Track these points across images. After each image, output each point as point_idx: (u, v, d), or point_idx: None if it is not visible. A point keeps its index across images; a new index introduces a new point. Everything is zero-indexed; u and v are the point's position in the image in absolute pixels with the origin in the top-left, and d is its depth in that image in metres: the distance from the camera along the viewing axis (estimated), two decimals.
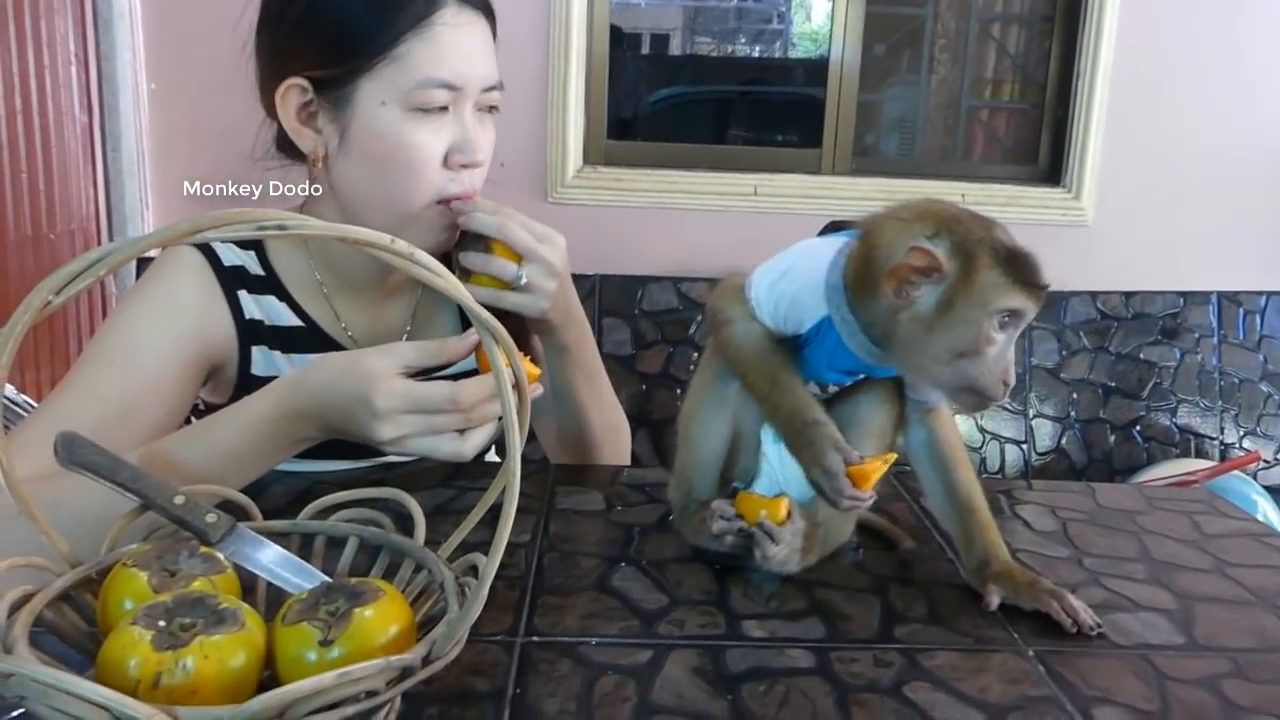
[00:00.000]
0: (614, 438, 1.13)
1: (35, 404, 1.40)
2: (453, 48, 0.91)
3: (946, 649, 0.67)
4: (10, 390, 1.59)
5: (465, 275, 0.93)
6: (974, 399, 0.69)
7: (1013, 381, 0.69)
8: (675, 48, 3.68)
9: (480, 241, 0.93)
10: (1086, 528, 0.89)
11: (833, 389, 0.81)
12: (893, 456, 0.73)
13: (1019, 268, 0.66)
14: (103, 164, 2.33)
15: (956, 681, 0.63)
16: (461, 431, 0.81)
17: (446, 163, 0.93)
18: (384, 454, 0.98)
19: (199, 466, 0.78)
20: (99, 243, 2.32)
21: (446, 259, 0.93)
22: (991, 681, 0.63)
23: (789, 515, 0.74)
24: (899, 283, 0.67)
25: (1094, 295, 2.01)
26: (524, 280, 0.93)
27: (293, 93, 0.93)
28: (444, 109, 0.92)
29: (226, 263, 0.97)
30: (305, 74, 0.92)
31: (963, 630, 0.70)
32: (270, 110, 0.96)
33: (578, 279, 1.84)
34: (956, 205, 0.69)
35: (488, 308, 0.53)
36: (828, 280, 0.72)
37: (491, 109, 0.98)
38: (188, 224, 0.45)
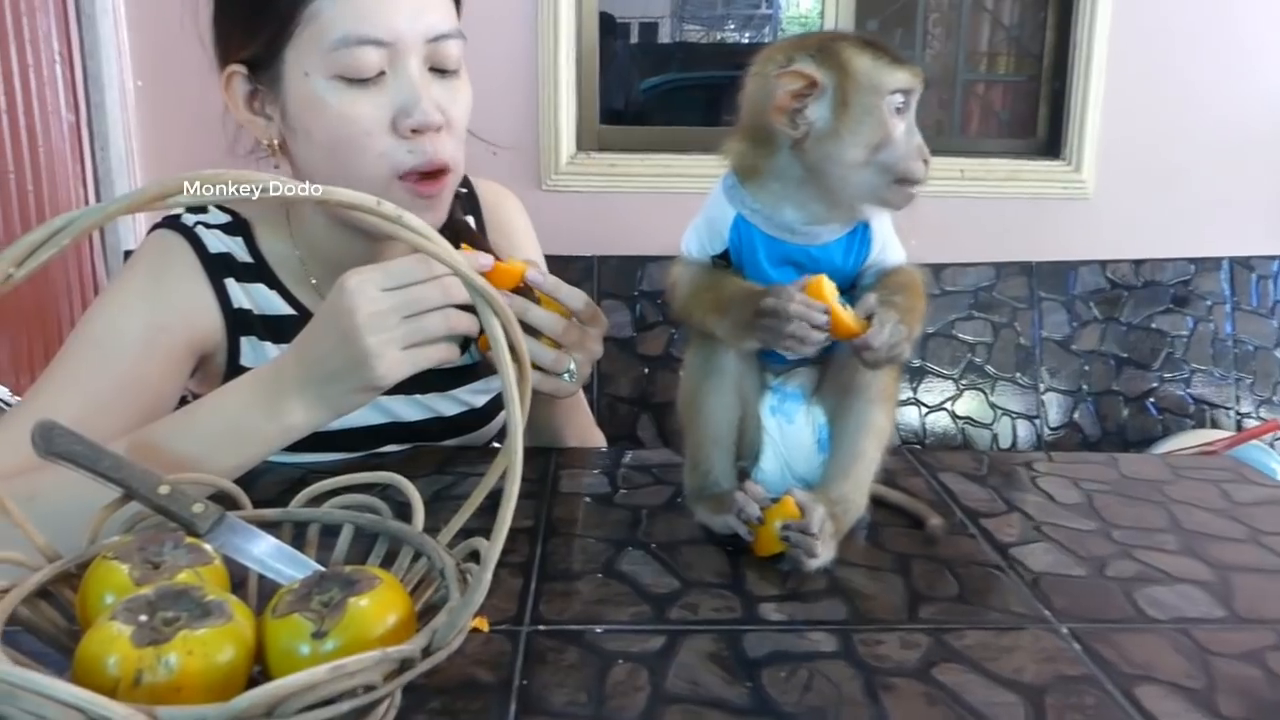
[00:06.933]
0: None
1: None
2: None
3: (976, 628, 0.64)
4: (4, 392, 1.56)
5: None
6: (902, 188, 0.70)
7: (929, 158, 0.70)
8: (664, 36, 3.65)
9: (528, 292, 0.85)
10: (1111, 499, 0.86)
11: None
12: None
13: (885, 51, 0.68)
14: (92, 163, 2.29)
15: (988, 662, 0.60)
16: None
17: (396, 129, 0.84)
18: (377, 447, 0.95)
19: (182, 449, 0.75)
20: (91, 243, 2.28)
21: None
22: (1025, 661, 0.60)
23: (801, 509, 0.69)
24: (788, 115, 0.68)
25: (1103, 264, 1.96)
26: (572, 370, 0.85)
27: (235, 81, 0.89)
28: (381, 73, 0.83)
29: (212, 250, 0.93)
30: (238, 58, 0.87)
31: (992, 607, 0.67)
32: None
33: (574, 261, 1.81)
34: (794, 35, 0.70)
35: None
36: (724, 185, 0.74)
37: (446, 71, 0.86)
38: (156, 187, 0.42)
